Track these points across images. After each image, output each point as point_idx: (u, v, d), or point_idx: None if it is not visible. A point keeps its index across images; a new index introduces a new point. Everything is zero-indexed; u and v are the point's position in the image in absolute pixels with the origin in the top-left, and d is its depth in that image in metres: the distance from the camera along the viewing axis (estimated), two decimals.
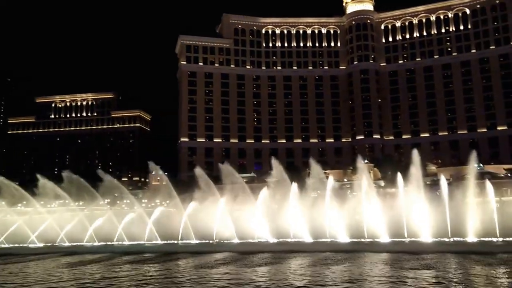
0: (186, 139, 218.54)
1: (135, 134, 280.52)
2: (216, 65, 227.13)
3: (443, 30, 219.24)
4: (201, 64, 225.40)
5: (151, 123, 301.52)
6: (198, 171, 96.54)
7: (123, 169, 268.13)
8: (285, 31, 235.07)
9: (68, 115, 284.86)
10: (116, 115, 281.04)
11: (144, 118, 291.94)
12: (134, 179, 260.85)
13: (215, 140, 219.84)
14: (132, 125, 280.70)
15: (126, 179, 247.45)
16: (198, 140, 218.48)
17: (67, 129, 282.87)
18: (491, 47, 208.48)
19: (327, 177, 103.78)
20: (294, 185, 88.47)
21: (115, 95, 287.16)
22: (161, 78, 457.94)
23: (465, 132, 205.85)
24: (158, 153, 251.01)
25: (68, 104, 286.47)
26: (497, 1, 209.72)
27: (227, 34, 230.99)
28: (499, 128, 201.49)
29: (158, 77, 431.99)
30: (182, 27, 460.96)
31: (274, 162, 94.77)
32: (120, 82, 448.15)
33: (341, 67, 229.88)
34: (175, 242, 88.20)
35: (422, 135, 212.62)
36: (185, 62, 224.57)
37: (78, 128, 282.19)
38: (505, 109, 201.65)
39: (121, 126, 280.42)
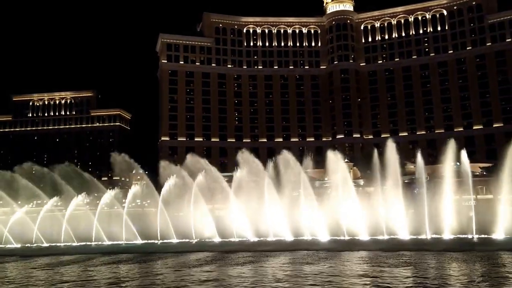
0: (167, 138, 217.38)
1: (115, 133, 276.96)
2: (197, 64, 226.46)
3: (421, 31, 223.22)
4: (182, 63, 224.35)
5: (131, 122, 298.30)
6: (173, 168, 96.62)
7: (103, 168, 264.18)
8: (266, 31, 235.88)
9: (46, 114, 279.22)
10: (96, 113, 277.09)
11: (124, 117, 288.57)
12: (114, 178, 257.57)
13: (196, 139, 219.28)
14: (112, 124, 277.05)
15: (106, 178, 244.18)
16: (179, 139, 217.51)
17: (45, 128, 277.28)
18: (467, 48, 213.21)
19: (307, 176, 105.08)
20: (268, 182, 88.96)
21: (95, 94, 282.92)
22: (142, 76, 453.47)
23: (442, 131, 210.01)
24: (138, 152, 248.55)
25: (46, 102, 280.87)
26: (474, 3, 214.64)
27: (208, 33, 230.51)
28: (475, 127, 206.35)
29: (138, 75, 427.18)
30: (163, 25, 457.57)
31: (241, 157, 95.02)
32: (99, 80, 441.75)
33: (321, 67, 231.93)
34: (155, 242, 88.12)
35: (400, 134, 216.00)
36: (166, 61, 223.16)
37: (56, 127, 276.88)
38: (481, 108, 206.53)
39: (100, 125, 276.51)
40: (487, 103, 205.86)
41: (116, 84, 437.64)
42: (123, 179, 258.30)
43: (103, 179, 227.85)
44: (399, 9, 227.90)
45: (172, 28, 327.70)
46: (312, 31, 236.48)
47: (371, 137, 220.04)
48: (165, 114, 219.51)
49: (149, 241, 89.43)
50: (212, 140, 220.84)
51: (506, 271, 41.64)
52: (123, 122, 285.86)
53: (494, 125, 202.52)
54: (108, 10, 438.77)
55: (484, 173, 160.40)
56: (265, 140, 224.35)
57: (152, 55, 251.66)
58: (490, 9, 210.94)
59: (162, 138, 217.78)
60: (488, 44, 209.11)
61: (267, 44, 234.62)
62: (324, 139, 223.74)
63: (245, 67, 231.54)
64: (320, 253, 61.23)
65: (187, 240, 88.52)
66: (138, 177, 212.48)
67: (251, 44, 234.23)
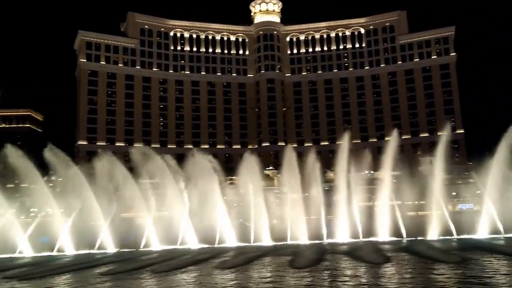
0: (84, 142, 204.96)
1: (24, 135, 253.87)
2: (120, 65, 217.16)
3: (341, 46, 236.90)
4: (103, 63, 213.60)
5: (43, 124, 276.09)
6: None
7: (7, 174, 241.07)
8: (194, 36, 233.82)
9: None
10: (2, 113, 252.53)
11: (35, 118, 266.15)
12: (22, 185, 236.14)
13: (117, 144, 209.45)
14: (20, 125, 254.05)
15: (12, 185, 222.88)
16: (98, 143, 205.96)
17: None
18: (381, 65, 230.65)
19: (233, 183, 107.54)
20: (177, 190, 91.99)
21: (1, 92, 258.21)
22: (58, 75, 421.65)
23: (359, 141, 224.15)
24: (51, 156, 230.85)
25: None
26: (387, 24, 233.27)
27: (133, 33, 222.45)
28: (386, 138, 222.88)
29: (54, 74, 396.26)
30: (82, 22, 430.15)
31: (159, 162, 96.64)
32: (7, 77, 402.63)
33: (249, 75, 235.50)
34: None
35: (322, 143, 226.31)
36: (85, 60, 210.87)
37: None
38: (392, 121, 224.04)
39: (7, 126, 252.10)
40: (397, 117, 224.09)
41: (27, 82, 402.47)
42: (32, 186, 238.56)
43: (8, 186, 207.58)
44: (322, 24, 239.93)
45: (94, 26, 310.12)
46: (240, 39, 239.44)
47: (295, 145, 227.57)
48: (83, 116, 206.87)
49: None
50: (135, 145, 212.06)
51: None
52: (33, 123, 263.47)
53: (403, 137, 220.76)
54: (21, 2, 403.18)
55: (394, 180, 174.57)
56: (191, 146, 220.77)
57: (70, 53, 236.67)
58: (402, 31, 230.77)
59: (79, 142, 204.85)
60: (399, 62, 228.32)
61: (194, 49, 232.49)
62: (250, 147, 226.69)
63: (171, 71, 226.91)
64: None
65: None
66: (51, 184, 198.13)
67: (178, 48, 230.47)
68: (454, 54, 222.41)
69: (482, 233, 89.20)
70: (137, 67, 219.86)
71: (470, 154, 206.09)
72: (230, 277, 45.97)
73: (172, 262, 62.14)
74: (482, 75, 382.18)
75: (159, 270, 52.31)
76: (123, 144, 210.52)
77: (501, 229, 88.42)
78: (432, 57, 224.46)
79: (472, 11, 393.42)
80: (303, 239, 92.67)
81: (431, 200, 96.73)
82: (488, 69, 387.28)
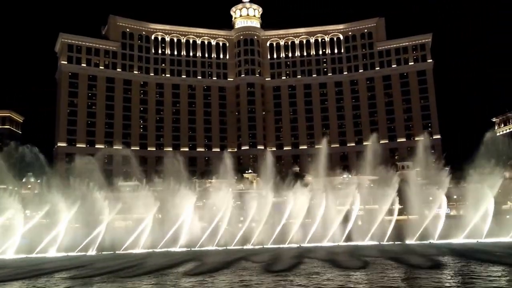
0: (64, 144, 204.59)
1: (3, 136, 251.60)
2: (101, 67, 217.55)
3: (320, 52, 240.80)
4: (84, 65, 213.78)
5: (23, 125, 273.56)
6: None
7: None
8: (175, 39, 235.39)
9: None
10: None
11: (15, 119, 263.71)
12: (0, 186, 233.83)
13: (97, 146, 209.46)
14: (0, 126, 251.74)
15: None
16: (78, 145, 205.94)
17: None
18: (360, 71, 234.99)
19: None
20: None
21: None
22: (38, 77, 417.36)
23: (337, 145, 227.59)
24: (31, 158, 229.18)
25: None
26: (366, 30, 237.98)
27: (114, 36, 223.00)
28: (364, 143, 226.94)
29: (34, 76, 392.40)
30: (64, 25, 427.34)
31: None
32: None
33: (229, 79, 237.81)
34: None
35: (301, 147, 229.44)
36: (66, 62, 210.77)
37: None
38: (369, 126, 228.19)
39: None
40: (375, 122, 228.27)
41: (7, 83, 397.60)
42: (10, 187, 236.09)
43: None
44: (302, 30, 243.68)
45: (76, 29, 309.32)
46: (221, 44, 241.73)
47: (274, 149, 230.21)
48: (63, 118, 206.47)
49: None
50: (115, 147, 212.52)
51: None
52: (13, 125, 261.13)
53: (381, 142, 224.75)
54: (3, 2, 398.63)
55: (372, 185, 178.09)
56: (171, 149, 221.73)
57: (51, 56, 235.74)
58: (380, 37, 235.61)
59: (59, 144, 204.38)
60: (377, 68, 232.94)
61: (175, 52, 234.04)
62: (229, 150, 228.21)
63: (152, 74, 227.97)
64: None
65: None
66: (29, 186, 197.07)
67: (159, 51, 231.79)
68: (431, 60, 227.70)
69: (458, 237, 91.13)
70: (118, 69, 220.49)
71: (447, 159, 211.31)
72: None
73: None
74: (458, 82, 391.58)
75: (124, 275, 51.54)
76: (103, 146, 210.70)
77: (477, 234, 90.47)
78: (410, 63, 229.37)
79: (449, 19, 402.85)
80: (279, 243, 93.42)
81: (408, 205, 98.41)
82: (465, 75, 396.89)
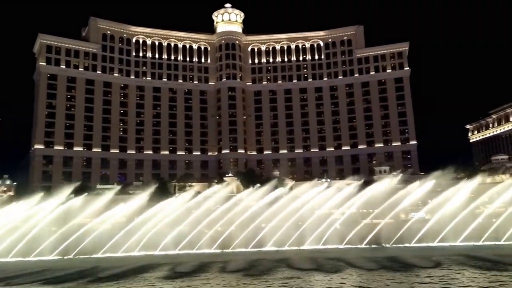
0: (41, 146, 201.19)
1: None
2: (81, 69, 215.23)
3: (301, 58, 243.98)
4: (64, 67, 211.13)
5: None
6: None
7: None
8: (157, 42, 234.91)
9: None
10: None
11: None
12: None
13: (76, 148, 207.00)
14: None
15: None
16: (55, 148, 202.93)
17: None
18: (339, 77, 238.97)
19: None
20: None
21: None
22: (16, 78, 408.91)
23: (317, 150, 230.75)
24: (5, 160, 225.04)
25: None
26: (345, 38, 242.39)
27: (94, 38, 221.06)
28: (343, 148, 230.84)
29: (12, 76, 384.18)
30: (43, 26, 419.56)
31: None
32: None
33: (210, 83, 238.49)
34: None
35: (281, 151, 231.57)
36: (44, 63, 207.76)
37: None
38: (348, 131, 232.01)
39: None
40: (354, 127, 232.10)
41: None
42: None
43: None
44: (283, 36, 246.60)
45: (55, 30, 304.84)
46: (202, 48, 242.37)
47: (254, 153, 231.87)
48: (41, 120, 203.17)
49: None
50: (94, 150, 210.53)
51: None
52: None
53: (359, 147, 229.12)
54: None
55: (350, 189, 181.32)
56: (151, 152, 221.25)
57: (29, 57, 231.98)
58: (359, 45, 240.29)
59: (36, 146, 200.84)
60: (356, 75, 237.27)
61: (156, 56, 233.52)
62: (210, 154, 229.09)
63: (132, 77, 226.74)
64: None
65: None
66: (5, 188, 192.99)
67: (140, 54, 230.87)
68: (407, 68, 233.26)
69: (430, 241, 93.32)
70: (98, 72, 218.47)
71: (422, 164, 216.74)
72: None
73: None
74: (434, 89, 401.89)
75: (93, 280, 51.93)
76: (81, 149, 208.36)
77: (451, 237, 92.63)
78: (387, 70, 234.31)
79: (425, 28, 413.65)
80: (248, 247, 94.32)
81: (384, 209, 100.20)
82: (440, 83, 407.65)
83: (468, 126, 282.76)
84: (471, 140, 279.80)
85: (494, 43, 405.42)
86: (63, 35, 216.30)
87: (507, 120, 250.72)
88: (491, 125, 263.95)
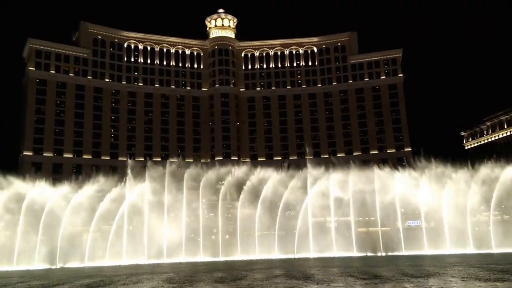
0: (30, 153, 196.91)
1: None
2: (71, 74, 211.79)
3: (295, 64, 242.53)
4: (53, 72, 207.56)
5: None
6: None
7: None
8: (149, 48, 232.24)
9: None
10: None
11: None
12: None
13: (66, 155, 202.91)
14: None
15: None
16: (45, 154, 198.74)
17: None
18: (333, 83, 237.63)
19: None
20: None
21: None
22: (3, 83, 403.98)
23: (311, 157, 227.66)
24: None
25: None
26: (339, 44, 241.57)
27: (85, 43, 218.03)
28: (338, 155, 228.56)
29: None
30: (32, 30, 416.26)
31: None
32: None
33: (203, 89, 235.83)
34: None
35: (275, 158, 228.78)
36: (33, 68, 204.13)
37: None
38: (343, 138, 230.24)
39: None
40: (348, 134, 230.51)
41: None
42: None
43: None
44: (277, 41, 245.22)
45: (45, 35, 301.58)
46: (195, 53, 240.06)
47: (248, 160, 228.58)
48: (29, 126, 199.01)
49: None
50: (84, 157, 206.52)
51: None
52: None
53: (354, 153, 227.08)
54: None
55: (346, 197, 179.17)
56: (143, 159, 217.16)
57: (18, 61, 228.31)
58: (352, 51, 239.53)
59: (24, 153, 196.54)
60: (350, 81, 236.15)
61: (148, 61, 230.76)
62: (203, 161, 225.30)
63: (124, 82, 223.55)
64: None
65: None
66: None
67: (132, 59, 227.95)
68: (401, 75, 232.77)
69: (428, 249, 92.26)
70: (89, 77, 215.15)
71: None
72: None
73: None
74: (428, 95, 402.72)
75: None
76: (71, 156, 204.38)
77: (448, 245, 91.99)
78: (381, 77, 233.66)
79: (419, 35, 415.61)
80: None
81: (380, 217, 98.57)
82: (435, 89, 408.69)
83: (463, 133, 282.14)
84: (466, 147, 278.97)
85: (489, 50, 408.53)
86: (53, 39, 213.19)
87: (502, 127, 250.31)
88: (485, 132, 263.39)
